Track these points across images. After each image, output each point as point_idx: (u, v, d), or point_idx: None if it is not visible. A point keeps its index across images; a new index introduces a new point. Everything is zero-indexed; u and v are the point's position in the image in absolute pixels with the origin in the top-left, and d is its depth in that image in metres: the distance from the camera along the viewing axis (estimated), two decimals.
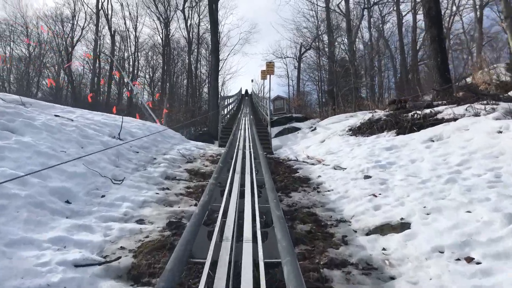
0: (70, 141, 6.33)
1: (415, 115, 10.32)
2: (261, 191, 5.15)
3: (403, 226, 4.44)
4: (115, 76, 41.66)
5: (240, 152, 8.85)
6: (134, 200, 5.14)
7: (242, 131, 14.84)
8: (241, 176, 6.02)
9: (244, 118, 20.11)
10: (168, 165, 7.48)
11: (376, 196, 5.75)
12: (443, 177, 5.98)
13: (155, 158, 7.92)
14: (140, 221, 4.55)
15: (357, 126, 11.74)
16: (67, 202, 4.60)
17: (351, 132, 11.57)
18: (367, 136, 10.66)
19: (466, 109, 9.55)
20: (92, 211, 4.53)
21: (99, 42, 44.49)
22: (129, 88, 24.32)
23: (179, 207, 5.23)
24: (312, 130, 18.84)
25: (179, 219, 4.74)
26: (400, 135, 9.78)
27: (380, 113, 11.90)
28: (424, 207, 4.70)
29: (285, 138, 20.68)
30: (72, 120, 7.65)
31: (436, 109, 10.43)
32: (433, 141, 8.46)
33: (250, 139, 12.38)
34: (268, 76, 20.20)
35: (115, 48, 46.52)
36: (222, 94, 41.67)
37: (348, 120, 18.04)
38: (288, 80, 51.06)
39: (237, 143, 10.99)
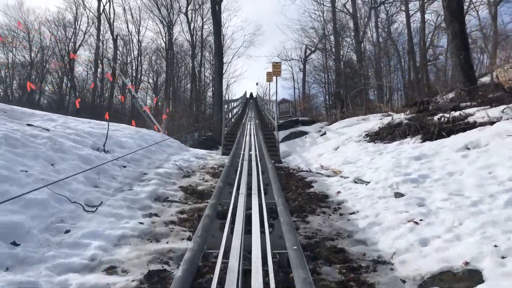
0: (38, 157, 5.12)
1: (442, 118, 9.05)
2: (273, 223, 3.92)
3: (471, 276, 3.18)
4: (108, 80, 40.55)
5: (245, 164, 7.62)
6: (109, 235, 3.92)
7: (247, 137, 13.63)
8: (247, 199, 4.80)
9: (249, 123, 18.89)
10: (160, 182, 6.26)
11: (417, 223, 4.51)
12: (498, 197, 4.75)
13: (145, 174, 6.71)
14: (111, 270, 3.33)
15: (375, 131, 10.49)
16: (14, 244, 3.39)
17: (368, 138, 10.32)
18: (387, 143, 9.40)
19: (502, 111, 8.28)
20: (45, 257, 3.31)
21: (101, 46, 43.55)
22: (131, 94, 23.26)
23: (167, 242, 4.01)
24: (322, 135, 17.59)
25: (165, 262, 3.54)
26: (427, 142, 8.53)
27: (400, 116, 10.64)
28: (495, 245, 3.45)
29: (292, 143, 19.45)
30: (48, 130, 6.47)
31: (466, 111, 9.16)
32: (468, 148, 7.22)
33: (256, 146, 11.16)
34: (274, 78, 18.96)
35: (118, 52, 45.60)
36: (226, 98, 40.60)
37: (360, 123, 16.81)
38: (293, 83, 49.80)
39: (242, 152, 9.77)
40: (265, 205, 4.58)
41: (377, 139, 9.92)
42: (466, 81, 11.62)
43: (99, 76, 44.29)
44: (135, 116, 34.29)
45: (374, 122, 15.34)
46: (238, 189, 5.22)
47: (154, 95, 50.50)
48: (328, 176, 8.19)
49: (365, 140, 10.22)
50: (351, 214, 5.45)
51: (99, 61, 44.83)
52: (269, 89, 38.94)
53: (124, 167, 6.51)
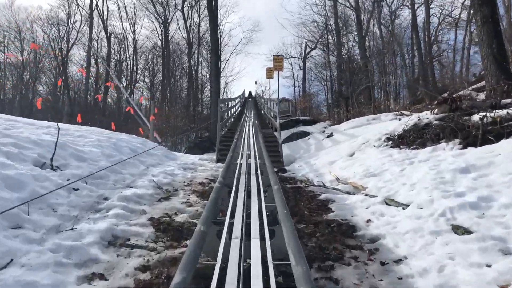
0: None
1: (485, 118, 7.25)
2: None
3: None
4: (107, 86, 38.68)
5: (243, 180, 5.81)
6: None
7: (246, 140, 11.83)
8: (245, 244, 3.03)
9: (248, 124, 17.08)
10: (123, 212, 4.43)
11: None
12: None
13: (106, 198, 4.88)
14: None
15: (398, 133, 8.65)
16: None
17: (391, 142, 8.50)
18: (417, 149, 7.58)
19: None
20: None
21: (93, 45, 41.63)
22: (125, 95, 21.51)
23: None
24: (328, 137, 15.78)
25: None
26: (469, 148, 6.73)
27: (427, 116, 8.81)
28: None
29: (295, 145, 17.64)
30: None
31: None
32: None
33: (256, 153, 9.37)
34: (275, 73, 17.16)
35: (113, 51, 43.74)
36: (224, 97, 38.68)
37: (371, 124, 15.02)
38: (293, 81, 47.95)
39: (239, 160, 7.98)
40: (272, 260, 2.77)
41: (402, 144, 8.10)
42: (500, 74, 9.80)
43: (92, 76, 42.41)
44: (130, 118, 32.46)
45: (389, 122, 13.59)
46: (230, 230, 3.40)
47: (150, 95, 48.75)
48: (348, 193, 6.39)
49: (387, 145, 8.40)
50: (397, 262, 3.64)
51: (93, 61, 43.01)
52: (269, 87, 37.07)
53: (76, 189, 4.69)
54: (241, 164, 7.56)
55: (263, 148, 9.53)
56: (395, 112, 16.01)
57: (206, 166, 9.15)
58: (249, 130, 14.52)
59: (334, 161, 8.91)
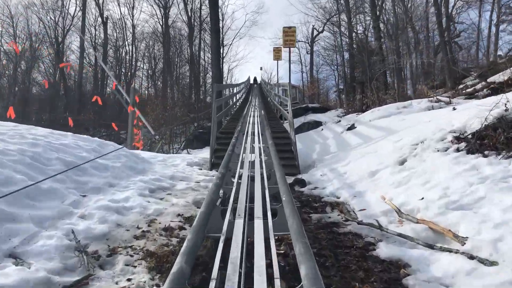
0: None
1: None
2: None
3: None
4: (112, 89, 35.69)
5: (239, 225, 2.97)
6: None
7: (250, 137, 8.90)
8: None
9: (252, 114, 14.12)
10: None
11: None
12: None
13: None
14: None
15: (475, 130, 5.66)
16: None
17: (464, 144, 5.52)
18: None
19: None
20: None
21: (90, 31, 38.60)
22: (116, 86, 18.67)
23: None
24: (350, 129, 12.80)
25: None
26: None
27: None
28: None
29: (307, 138, 14.70)
30: None
31: None
32: None
33: (263, 156, 6.55)
34: (285, 52, 14.19)
35: (111, 37, 40.71)
36: (227, 83, 35.62)
37: (401, 113, 12.05)
38: (301, 66, 44.70)
39: (236, 179, 5.14)
40: None
41: (485, 147, 5.17)
42: None
43: (89, 63, 39.49)
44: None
45: (446, 113, 10.67)
46: None
47: (154, 83, 45.84)
48: (430, 246, 3.52)
49: (458, 150, 5.45)
50: None
51: (90, 48, 40.08)
52: (277, 72, 33.69)
53: None
54: (240, 181, 4.73)
55: (271, 149, 6.69)
56: (429, 99, 12.98)
57: (191, 179, 6.29)
58: (253, 123, 11.60)
59: (377, 171, 6.00)
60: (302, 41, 44.19)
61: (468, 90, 15.87)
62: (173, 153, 21.38)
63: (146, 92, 43.06)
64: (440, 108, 11.91)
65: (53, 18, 40.00)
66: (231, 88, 19.29)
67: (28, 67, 41.96)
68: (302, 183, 6.72)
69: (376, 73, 19.76)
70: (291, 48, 28.99)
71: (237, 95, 21.73)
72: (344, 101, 32.35)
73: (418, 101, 13.07)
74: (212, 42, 23.16)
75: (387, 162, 6.18)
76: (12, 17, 39.55)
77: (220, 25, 39.74)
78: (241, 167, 5.82)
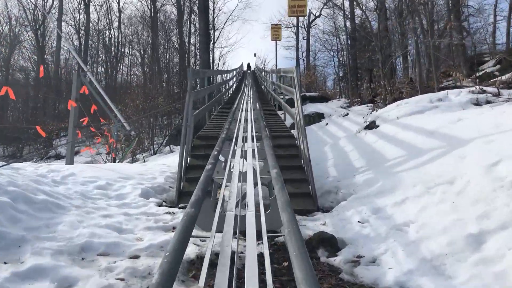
0: None
1: None
2: None
3: None
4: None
5: None
6: None
7: (240, 149, 5.81)
8: None
9: (245, 109, 10.97)
10: None
11: None
12: None
13: None
14: None
15: None
16: None
17: None
18: None
19: None
20: None
21: (71, 14, 34.83)
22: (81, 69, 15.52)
23: None
24: (369, 127, 9.70)
25: None
26: None
27: None
28: None
29: (311, 137, 11.46)
30: None
31: None
32: None
33: (261, 197, 3.52)
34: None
35: (94, 21, 37.05)
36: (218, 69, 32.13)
37: (438, 108, 9.03)
38: (297, 53, 41.22)
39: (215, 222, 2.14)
40: None
41: None
42: None
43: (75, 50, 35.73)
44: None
45: (474, 106, 7.76)
46: None
47: (143, 71, 42.33)
48: None
49: None
50: None
51: (75, 34, 36.45)
52: (276, 56, 29.81)
53: None
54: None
55: (273, 173, 3.67)
56: (470, 89, 9.94)
57: (126, 247, 3.20)
58: (246, 119, 8.49)
59: (483, 237, 3.00)
60: (298, 26, 40.78)
61: (505, 77, 12.87)
62: (153, 151, 18.22)
63: (135, 79, 39.67)
64: (488, 101, 8.91)
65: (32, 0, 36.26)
66: (220, 75, 16.07)
67: (8, 53, 38.29)
68: (331, 244, 3.65)
69: (396, 55, 16.57)
70: (284, 33, 25.78)
71: (227, 84, 18.48)
72: (347, 89, 29.19)
73: (455, 92, 10.01)
74: (199, 22, 19.82)
75: (499, 215, 3.14)
76: None
77: (211, 6, 36.22)
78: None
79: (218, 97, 13.96)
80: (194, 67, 37.09)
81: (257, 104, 12.09)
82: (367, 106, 15.23)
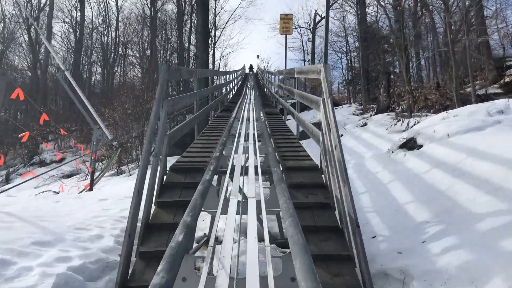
0: None
1: None
2: None
3: None
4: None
5: None
6: None
7: (235, 199, 3.44)
8: None
9: (245, 119, 8.49)
10: None
11: None
12: None
13: None
14: None
15: None
16: None
17: None
18: None
19: None
20: None
21: (68, 12, 32.41)
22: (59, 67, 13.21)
23: None
24: (408, 147, 7.32)
25: None
26: None
27: None
28: None
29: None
30: None
31: None
32: None
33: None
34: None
35: (90, 20, 34.76)
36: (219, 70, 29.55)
37: (501, 123, 6.71)
38: (303, 54, 38.98)
39: None
40: None
41: None
42: None
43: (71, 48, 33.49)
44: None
45: None
46: None
47: (143, 72, 39.96)
48: None
49: None
50: None
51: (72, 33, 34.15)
52: (285, 52, 27.04)
53: None
54: None
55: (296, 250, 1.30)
56: None
57: None
58: (247, 134, 6.13)
59: None
60: (303, 27, 38.49)
61: None
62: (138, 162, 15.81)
63: (132, 81, 37.29)
64: None
65: None
66: (217, 77, 13.67)
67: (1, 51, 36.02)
68: None
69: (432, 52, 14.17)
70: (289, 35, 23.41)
71: (227, 86, 16.07)
72: (355, 94, 26.74)
73: None
74: (197, 18, 17.48)
75: None
76: None
77: (212, 4, 33.81)
78: None
79: (214, 103, 11.55)
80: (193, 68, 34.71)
81: (261, 113, 9.70)
82: (388, 115, 12.86)
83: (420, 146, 6.98)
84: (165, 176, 4.26)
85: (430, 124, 7.59)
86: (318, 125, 15.73)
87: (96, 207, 4.94)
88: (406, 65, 13.17)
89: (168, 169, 4.41)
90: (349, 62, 29.35)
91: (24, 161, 21.77)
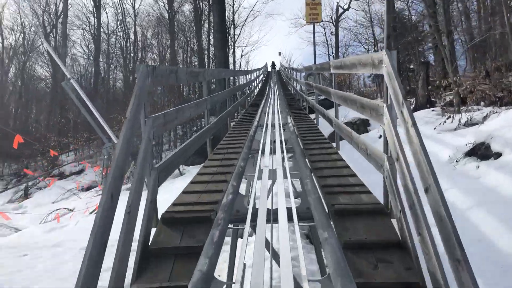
0: None
1: None
2: None
3: None
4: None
5: None
6: None
7: (259, 269, 2.01)
8: None
9: (270, 127, 6.92)
10: None
11: None
12: None
13: None
14: None
15: None
16: None
17: None
18: None
19: None
20: None
21: (87, 18, 31.81)
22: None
23: None
24: (479, 155, 5.71)
25: None
26: None
27: None
28: None
29: (365, 161, 7.60)
30: None
31: None
32: None
33: None
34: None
35: (108, 24, 34.09)
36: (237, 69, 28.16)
37: None
38: (327, 48, 37.12)
39: None
40: None
41: None
42: None
43: (91, 55, 32.94)
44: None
45: None
46: None
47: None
48: None
49: None
50: None
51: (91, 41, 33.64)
52: (314, 43, 25.12)
53: None
54: None
55: None
56: None
57: None
58: (273, 150, 4.65)
59: None
60: (325, 21, 36.62)
61: None
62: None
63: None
64: None
65: (43, 5, 33.56)
66: (233, 78, 12.23)
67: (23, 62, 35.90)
68: None
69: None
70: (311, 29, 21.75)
71: (252, 83, 14.61)
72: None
73: None
74: (213, 15, 16.13)
75: None
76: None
77: (230, 1, 32.46)
78: None
79: (232, 109, 10.12)
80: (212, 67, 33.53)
81: (288, 118, 8.22)
82: (433, 110, 11.12)
83: (498, 155, 5.35)
84: (152, 234, 2.79)
85: (506, 123, 5.93)
86: (350, 124, 13.86)
87: (69, 267, 3.59)
88: (450, 52, 11.36)
89: (159, 219, 2.98)
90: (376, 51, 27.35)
91: (45, 173, 21.06)
